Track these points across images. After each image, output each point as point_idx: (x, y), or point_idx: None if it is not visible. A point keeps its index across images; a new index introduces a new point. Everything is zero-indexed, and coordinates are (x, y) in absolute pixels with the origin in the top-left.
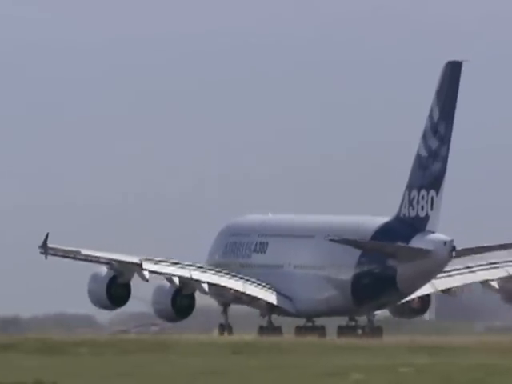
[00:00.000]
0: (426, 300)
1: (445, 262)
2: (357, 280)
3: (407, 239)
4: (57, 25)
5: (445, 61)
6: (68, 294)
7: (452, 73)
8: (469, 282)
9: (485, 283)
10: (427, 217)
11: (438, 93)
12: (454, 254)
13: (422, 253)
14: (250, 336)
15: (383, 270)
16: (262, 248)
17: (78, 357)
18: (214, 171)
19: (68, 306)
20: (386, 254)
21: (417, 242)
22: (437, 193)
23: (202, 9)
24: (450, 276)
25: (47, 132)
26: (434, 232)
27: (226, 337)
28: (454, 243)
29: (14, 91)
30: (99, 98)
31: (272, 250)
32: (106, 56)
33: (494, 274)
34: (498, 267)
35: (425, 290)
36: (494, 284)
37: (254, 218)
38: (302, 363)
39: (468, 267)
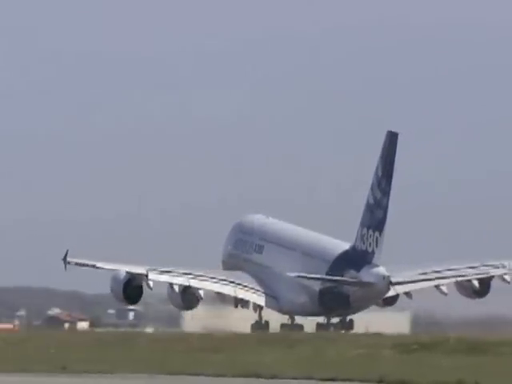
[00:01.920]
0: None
1: (384, 292)
2: (322, 293)
3: (358, 268)
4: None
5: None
6: None
7: (391, 140)
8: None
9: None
10: (373, 252)
11: (382, 154)
12: (390, 286)
13: (367, 284)
14: None
15: (340, 290)
16: (259, 249)
17: (500, 356)
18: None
19: None
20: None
21: (364, 273)
22: (380, 233)
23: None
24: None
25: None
26: (378, 266)
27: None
28: (391, 278)
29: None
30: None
31: (266, 253)
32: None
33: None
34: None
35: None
36: (444, 288)
37: (257, 219)
38: None
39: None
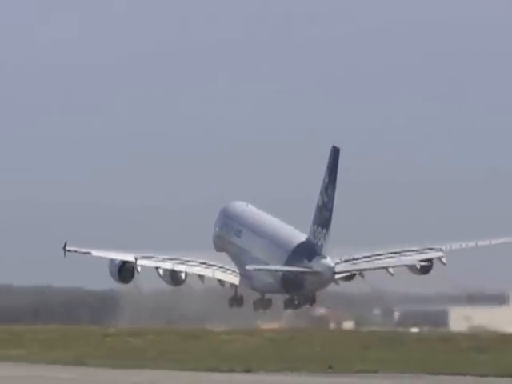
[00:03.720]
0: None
1: (330, 280)
2: (283, 277)
3: (310, 258)
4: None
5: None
6: None
7: (334, 153)
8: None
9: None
10: (322, 246)
11: (327, 165)
12: (335, 275)
13: (316, 273)
14: None
15: (296, 276)
16: (239, 234)
17: None
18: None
19: None
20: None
21: (315, 263)
22: (327, 230)
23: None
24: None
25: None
26: (326, 257)
27: None
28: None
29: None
30: None
31: (244, 238)
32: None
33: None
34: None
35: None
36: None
37: (239, 205)
38: None
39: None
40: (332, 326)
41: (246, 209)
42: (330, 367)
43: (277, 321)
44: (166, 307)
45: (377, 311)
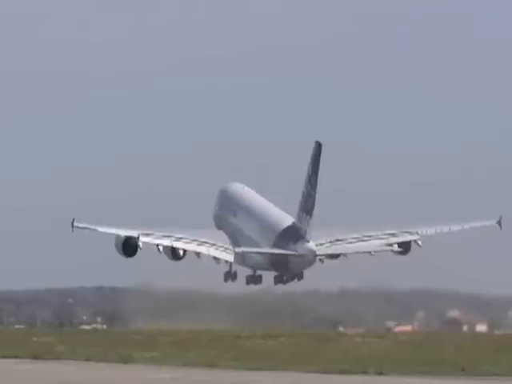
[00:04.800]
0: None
1: (311, 262)
2: (271, 257)
3: (296, 241)
4: None
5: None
6: None
7: (317, 147)
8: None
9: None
10: (306, 230)
11: (311, 158)
12: (317, 258)
13: (300, 255)
14: None
15: (282, 256)
16: (234, 213)
17: None
18: None
19: None
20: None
21: (299, 246)
22: (310, 216)
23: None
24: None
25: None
26: (309, 241)
27: None
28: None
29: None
30: None
31: (239, 218)
32: None
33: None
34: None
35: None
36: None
37: (236, 186)
38: None
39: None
40: (465, 328)
41: (243, 190)
42: (462, 370)
43: (409, 323)
44: (298, 310)
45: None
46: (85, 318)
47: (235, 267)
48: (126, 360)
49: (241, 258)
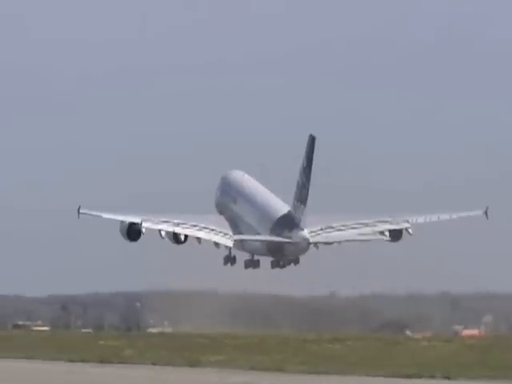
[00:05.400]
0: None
1: (305, 249)
2: (268, 243)
3: (291, 229)
4: None
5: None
6: None
7: (311, 141)
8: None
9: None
10: (300, 219)
11: (305, 151)
12: (310, 245)
13: (294, 243)
14: None
15: (278, 243)
16: (234, 200)
17: None
18: None
19: None
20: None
21: (294, 233)
22: (305, 206)
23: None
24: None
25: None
26: (303, 229)
27: None
28: (310, 239)
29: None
30: None
31: (239, 204)
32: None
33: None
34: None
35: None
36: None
37: (236, 174)
38: None
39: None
40: None
41: (243, 178)
42: None
43: (476, 327)
44: (367, 313)
45: None
46: (152, 321)
47: (234, 252)
48: (193, 364)
49: (240, 244)
